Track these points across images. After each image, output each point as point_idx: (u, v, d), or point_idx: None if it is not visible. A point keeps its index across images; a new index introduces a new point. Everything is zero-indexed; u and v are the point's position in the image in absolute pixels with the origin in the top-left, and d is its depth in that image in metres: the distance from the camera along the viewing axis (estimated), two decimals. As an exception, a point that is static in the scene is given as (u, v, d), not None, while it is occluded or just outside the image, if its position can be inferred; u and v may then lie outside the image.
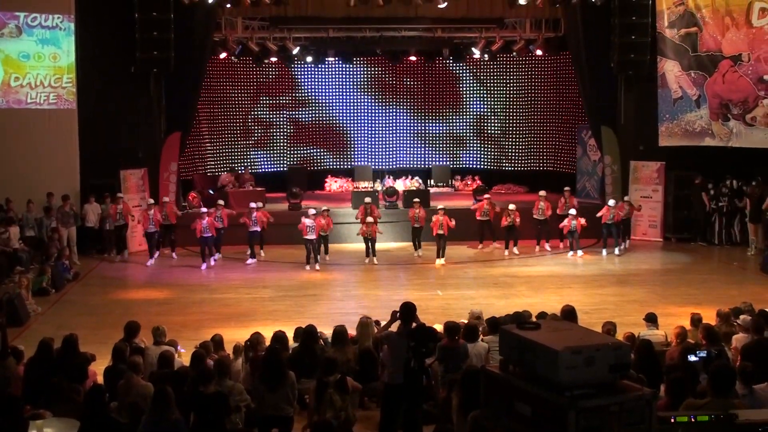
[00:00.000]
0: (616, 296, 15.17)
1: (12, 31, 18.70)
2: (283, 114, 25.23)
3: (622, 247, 19.25)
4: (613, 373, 4.48)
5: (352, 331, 9.98)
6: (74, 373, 8.25)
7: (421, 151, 25.83)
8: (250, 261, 18.30)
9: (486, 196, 19.90)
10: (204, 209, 18.65)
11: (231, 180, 22.63)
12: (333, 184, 24.35)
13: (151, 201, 18.61)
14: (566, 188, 20.03)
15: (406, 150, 25.83)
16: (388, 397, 7.99)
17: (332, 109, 25.49)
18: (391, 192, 21.60)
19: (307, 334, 9.56)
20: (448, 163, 25.37)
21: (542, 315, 9.82)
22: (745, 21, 18.88)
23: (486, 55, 23.23)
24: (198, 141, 23.32)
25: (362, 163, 25.09)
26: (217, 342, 9.89)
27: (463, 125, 25.78)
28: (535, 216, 19.32)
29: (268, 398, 7.64)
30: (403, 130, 25.78)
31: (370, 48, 23.58)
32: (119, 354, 8.95)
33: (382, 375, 8.55)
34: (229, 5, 19.29)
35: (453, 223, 18.10)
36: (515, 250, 19.02)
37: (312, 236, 17.64)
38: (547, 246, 19.36)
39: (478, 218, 19.27)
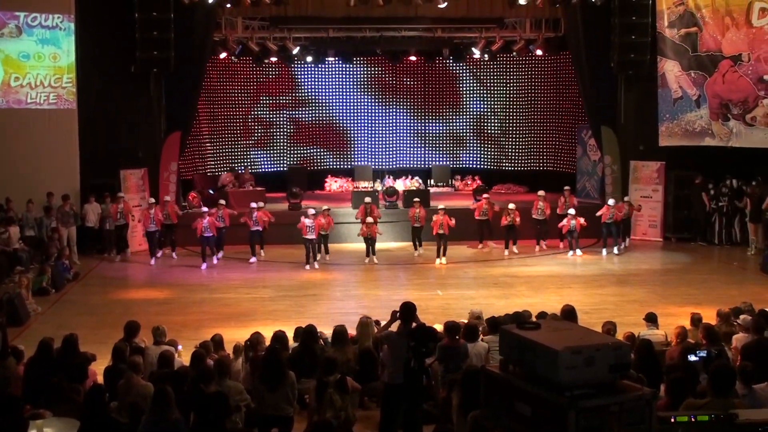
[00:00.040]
0: (616, 296, 15.16)
1: (12, 31, 18.70)
2: (283, 114, 25.24)
3: (621, 246, 19.26)
4: (613, 373, 4.48)
5: (352, 331, 9.98)
6: (74, 373, 8.25)
7: (421, 151, 25.83)
8: (252, 260, 18.30)
9: (485, 195, 19.91)
10: (205, 209, 18.65)
11: (231, 180, 22.63)
12: (333, 184, 24.36)
13: (152, 200, 18.61)
14: (566, 187, 20.03)
15: (406, 150, 25.84)
16: (388, 397, 7.99)
17: (332, 109, 25.50)
18: (391, 192, 21.60)
19: (307, 333, 9.56)
20: (448, 163, 25.37)
21: (542, 315, 9.82)
22: (745, 21, 18.88)
23: (486, 55, 23.25)
24: (198, 141, 23.33)
25: (362, 163, 25.10)
26: (217, 342, 9.89)
27: (463, 125, 25.79)
28: (534, 216, 19.33)
29: (268, 398, 7.65)
30: (403, 130, 25.79)
31: (370, 48, 23.59)
32: (119, 354, 8.95)
33: (382, 375, 8.55)
34: (229, 5, 19.29)
35: (453, 222, 18.11)
36: (515, 249, 19.02)
37: (312, 236, 17.65)
38: (543, 245, 19.36)
39: (476, 218, 19.27)
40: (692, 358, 7.76)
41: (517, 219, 18.78)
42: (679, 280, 16.46)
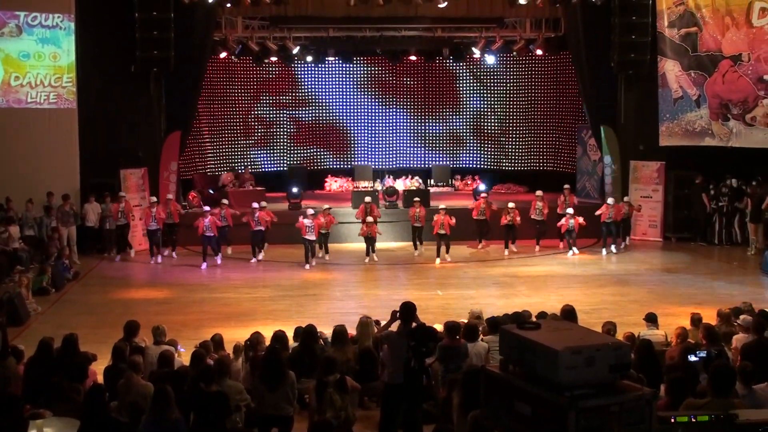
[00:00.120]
0: (616, 296, 15.16)
1: (12, 31, 18.70)
2: (282, 113, 25.25)
3: (621, 246, 19.28)
4: (613, 373, 4.48)
5: (352, 331, 9.97)
6: (74, 373, 8.25)
7: (421, 150, 25.84)
8: (253, 260, 18.31)
9: (482, 195, 19.92)
10: (207, 208, 18.62)
11: (231, 179, 22.63)
12: (333, 184, 24.36)
13: (154, 199, 18.61)
14: (566, 186, 20.01)
15: (406, 150, 25.85)
16: (388, 397, 7.99)
17: (332, 109, 25.51)
18: (391, 192, 21.61)
19: (307, 333, 9.56)
20: (448, 162, 25.37)
21: (542, 315, 9.82)
22: (745, 21, 18.88)
23: (486, 55, 23.25)
24: (198, 140, 23.32)
25: (362, 162, 25.09)
26: (217, 341, 9.89)
27: (462, 125, 25.79)
28: (532, 216, 19.32)
29: (268, 398, 7.65)
30: (402, 130, 25.79)
31: (370, 48, 23.61)
32: (119, 353, 8.95)
33: (382, 375, 8.55)
34: (229, 5, 19.30)
35: (453, 221, 18.11)
36: (514, 248, 19.02)
37: (311, 236, 17.65)
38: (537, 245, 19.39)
39: (474, 217, 19.27)
40: (692, 358, 7.76)
41: (517, 218, 18.78)
42: (679, 280, 16.47)
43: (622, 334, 9.69)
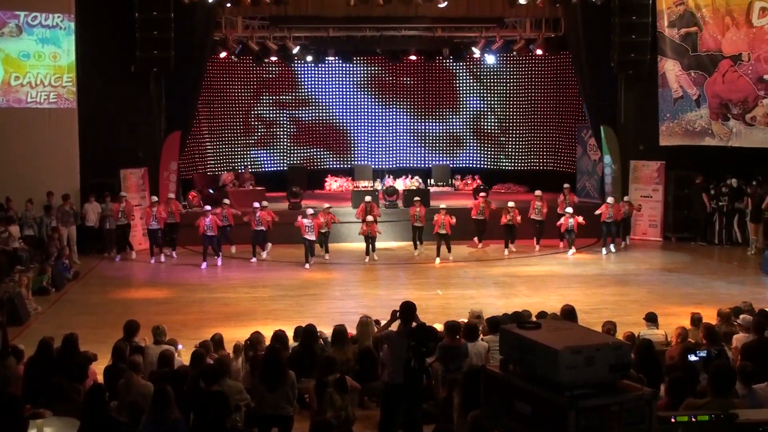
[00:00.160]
0: (616, 296, 15.16)
1: (12, 31, 18.70)
2: (282, 113, 25.25)
3: (622, 245, 19.28)
4: (613, 372, 4.48)
5: (352, 331, 9.97)
6: (74, 373, 8.25)
7: (421, 150, 25.84)
8: (253, 260, 18.31)
9: (481, 194, 19.91)
10: (208, 207, 18.60)
11: (232, 179, 22.62)
12: (333, 184, 24.36)
13: (155, 199, 18.61)
14: (566, 185, 20.00)
15: (406, 150, 25.85)
16: (388, 397, 7.99)
17: (332, 109, 25.52)
18: (391, 191, 21.61)
19: (307, 333, 9.56)
20: (448, 162, 25.37)
21: (542, 315, 9.82)
22: (746, 21, 18.88)
23: (486, 55, 23.24)
24: (198, 140, 23.33)
25: (362, 162, 25.09)
26: (217, 341, 9.88)
27: (462, 124, 25.79)
28: (531, 216, 19.31)
29: (268, 397, 7.64)
30: (402, 129, 25.79)
31: (370, 47, 23.61)
32: (119, 353, 8.94)
33: (382, 374, 8.55)
34: (229, 4, 19.30)
35: (454, 220, 18.10)
36: (513, 248, 19.01)
37: (311, 236, 17.65)
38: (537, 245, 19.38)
39: (473, 217, 19.26)
40: (692, 358, 7.76)
41: (518, 217, 18.78)
42: (679, 280, 16.46)
43: (622, 333, 9.69)
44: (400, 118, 25.73)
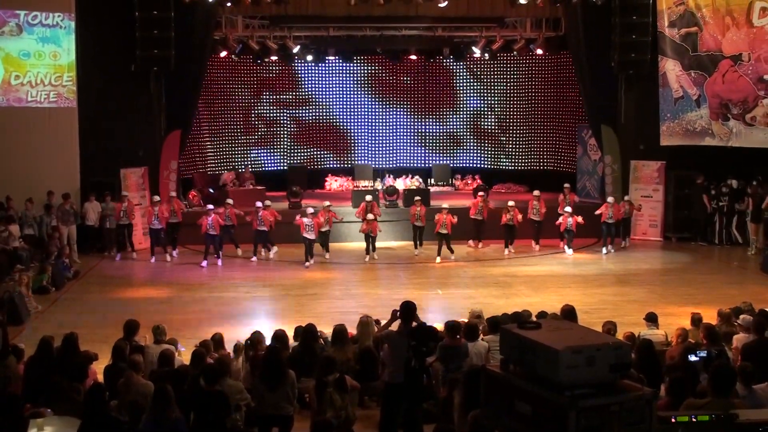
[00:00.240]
0: (616, 296, 15.17)
1: (12, 30, 18.70)
2: (283, 113, 25.24)
3: (622, 245, 19.29)
4: (613, 372, 4.48)
5: (352, 330, 9.97)
6: (74, 372, 8.25)
7: (421, 150, 25.83)
8: (253, 259, 18.31)
9: (480, 193, 19.90)
10: (210, 206, 18.58)
11: (232, 179, 22.61)
12: (333, 183, 24.34)
13: (157, 198, 18.60)
14: (566, 185, 20.01)
15: (407, 149, 25.84)
16: (388, 397, 7.99)
17: (332, 109, 25.50)
18: (391, 191, 21.61)
19: (307, 333, 9.56)
20: (448, 162, 25.36)
21: (542, 314, 9.82)
22: (746, 21, 18.88)
23: (486, 54, 23.24)
24: (198, 139, 23.32)
25: (362, 162, 25.09)
26: (217, 341, 9.89)
27: (463, 124, 25.78)
28: (530, 216, 19.30)
29: (268, 397, 7.65)
30: (403, 129, 25.79)
31: (371, 47, 23.63)
32: (119, 352, 8.95)
33: (382, 374, 8.55)
34: (229, 4, 19.29)
35: (455, 219, 18.10)
36: (512, 249, 18.99)
37: (311, 235, 17.64)
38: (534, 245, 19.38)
39: (471, 216, 19.25)
40: (692, 358, 7.77)
41: (518, 216, 18.77)
42: (679, 280, 16.46)
43: (623, 333, 9.70)
44: (400, 118, 25.73)
